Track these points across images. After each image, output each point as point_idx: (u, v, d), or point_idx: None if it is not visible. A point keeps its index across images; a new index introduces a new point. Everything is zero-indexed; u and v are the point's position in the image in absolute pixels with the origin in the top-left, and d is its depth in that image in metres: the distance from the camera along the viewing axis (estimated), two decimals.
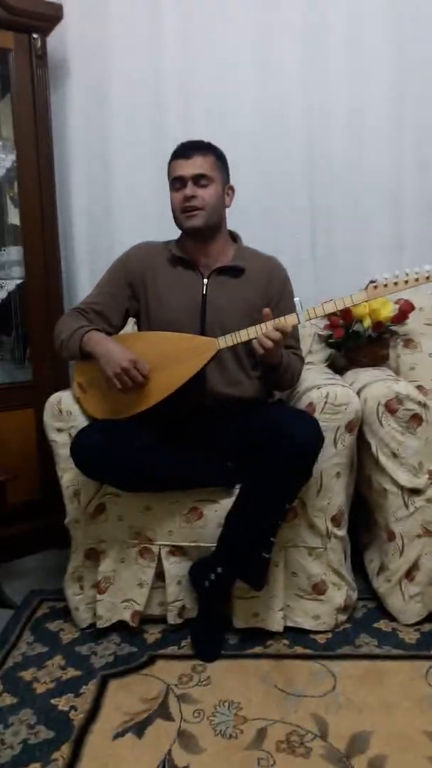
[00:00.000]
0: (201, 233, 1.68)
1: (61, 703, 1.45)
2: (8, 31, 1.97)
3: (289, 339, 1.73)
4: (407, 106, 2.30)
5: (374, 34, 2.26)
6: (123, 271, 1.74)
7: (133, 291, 1.74)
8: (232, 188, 1.73)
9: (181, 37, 2.26)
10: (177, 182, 1.66)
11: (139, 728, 1.37)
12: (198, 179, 1.63)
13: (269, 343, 1.51)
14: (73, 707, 1.44)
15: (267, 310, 1.54)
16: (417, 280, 1.49)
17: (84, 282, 2.38)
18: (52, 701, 1.46)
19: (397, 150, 2.32)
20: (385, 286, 1.51)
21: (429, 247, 2.36)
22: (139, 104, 2.30)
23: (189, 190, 1.63)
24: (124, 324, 1.78)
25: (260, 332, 1.53)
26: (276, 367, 1.64)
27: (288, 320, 1.53)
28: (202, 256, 1.72)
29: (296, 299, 1.56)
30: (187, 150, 1.65)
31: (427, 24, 2.25)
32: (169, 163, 1.69)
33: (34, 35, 2.00)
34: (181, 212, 1.66)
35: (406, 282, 1.49)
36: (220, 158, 1.69)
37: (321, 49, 2.27)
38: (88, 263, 2.39)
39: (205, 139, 1.71)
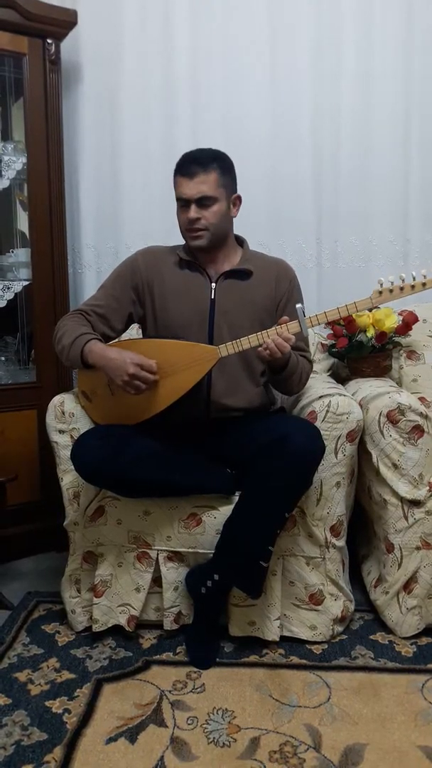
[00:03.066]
0: (206, 250, 1.69)
1: (55, 706, 1.45)
2: (23, 36, 1.99)
3: (299, 341, 1.73)
4: (414, 119, 2.33)
5: (385, 46, 2.29)
6: (129, 275, 1.74)
7: (138, 296, 1.74)
8: (239, 198, 1.71)
9: (193, 46, 2.29)
10: (181, 201, 1.65)
11: (132, 734, 1.36)
12: (201, 201, 1.62)
13: (276, 351, 1.51)
14: (67, 710, 1.44)
15: (285, 318, 1.54)
16: (424, 285, 1.48)
17: (90, 285, 2.39)
18: (46, 703, 1.46)
19: (403, 161, 2.34)
20: (391, 291, 1.49)
21: None
22: (149, 110, 2.32)
23: (193, 212, 1.62)
24: (125, 328, 1.78)
25: (262, 340, 1.53)
26: (282, 369, 1.63)
27: (290, 328, 1.53)
28: (209, 262, 1.73)
29: (298, 306, 1.55)
30: (190, 166, 1.61)
31: None
32: (174, 175, 1.66)
33: (49, 41, 2.02)
34: (186, 232, 1.66)
35: (413, 287, 1.48)
36: (224, 170, 1.65)
37: (331, 63, 2.30)
38: (94, 266, 2.41)
39: (214, 147, 1.70)
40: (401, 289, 1.49)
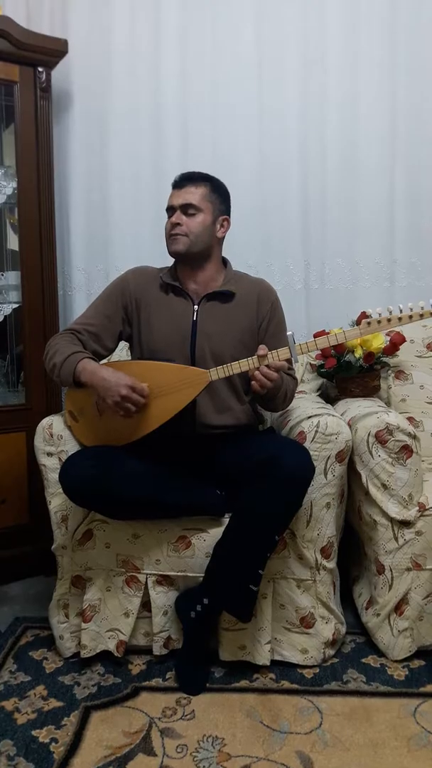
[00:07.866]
0: (184, 258, 1.72)
1: (42, 735, 1.42)
2: (15, 64, 2.02)
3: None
4: (400, 144, 2.36)
5: (370, 73, 2.33)
6: (120, 294, 1.76)
7: (126, 314, 1.76)
8: (227, 220, 1.75)
9: (183, 73, 2.33)
10: (169, 211, 1.73)
11: (120, 763, 1.33)
12: (186, 208, 1.69)
13: (268, 384, 1.53)
14: (54, 739, 1.41)
15: (264, 348, 1.54)
16: (411, 317, 1.51)
17: (80, 307, 2.39)
18: (33, 732, 1.43)
19: (389, 184, 2.37)
20: (379, 322, 1.53)
21: (419, 279, 2.41)
22: (139, 136, 2.35)
23: (175, 217, 1.70)
24: (116, 347, 1.79)
25: (252, 365, 1.54)
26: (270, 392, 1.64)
27: (280, 355, 1.54)
28: (191, 283, 1.74)
29: (289, 333, 1.56)
30: (181, 180, 1.73)
31: (419, 64, 2.32)
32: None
33: (40, 69, 2.05)
34: (168, 237, 1.72)
35: (400, 319, 1.52)
36: (215, 189, 1.72)
37: (319, 87, 2.33)
38: (84, 289, 2.42)
39: (204, 171, 1.75)
40: (389, 320, 1.52)
